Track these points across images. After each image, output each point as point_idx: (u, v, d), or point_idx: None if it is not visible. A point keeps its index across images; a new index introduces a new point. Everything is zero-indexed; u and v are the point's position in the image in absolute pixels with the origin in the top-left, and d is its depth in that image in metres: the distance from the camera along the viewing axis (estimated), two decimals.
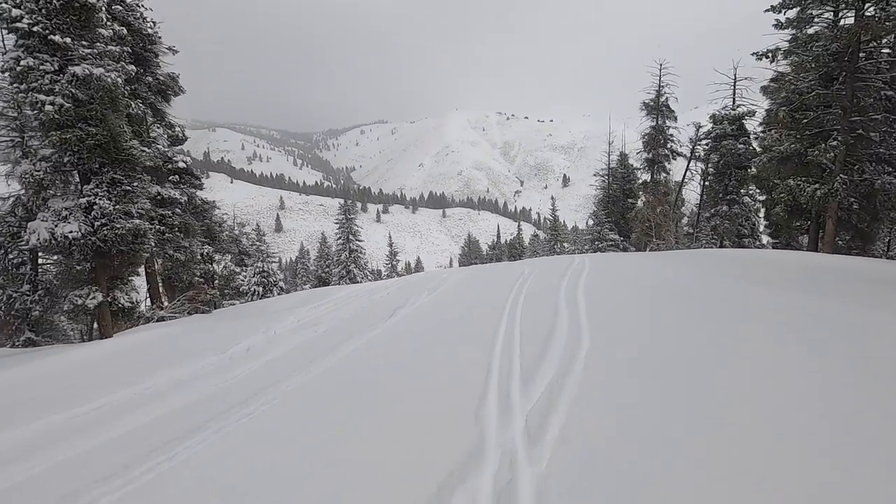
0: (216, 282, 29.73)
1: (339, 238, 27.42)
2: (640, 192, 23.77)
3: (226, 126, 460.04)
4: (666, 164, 22.52)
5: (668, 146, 22.57)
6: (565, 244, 34.30)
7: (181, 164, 13.97)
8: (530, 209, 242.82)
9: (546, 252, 30.35)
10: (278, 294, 24.45)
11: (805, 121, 13.95)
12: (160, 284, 15.04)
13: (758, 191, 20.07)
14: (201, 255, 29.08)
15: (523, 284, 9.66)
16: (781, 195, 14.71)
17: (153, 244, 12.76)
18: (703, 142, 22.00)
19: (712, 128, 20.73)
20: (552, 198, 32.59)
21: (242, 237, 34.22)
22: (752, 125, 20.07)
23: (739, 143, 19.71)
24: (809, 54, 13.41)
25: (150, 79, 12.81)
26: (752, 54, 14.31)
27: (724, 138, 20.11)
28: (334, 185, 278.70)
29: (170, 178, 14.03)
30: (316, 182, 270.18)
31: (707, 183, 21.95)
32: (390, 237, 41.51)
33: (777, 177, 15.31)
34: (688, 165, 22.97)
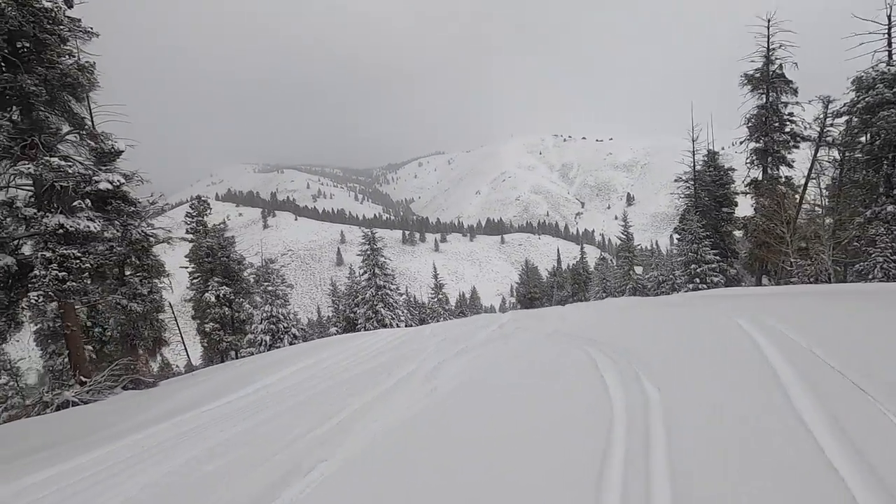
0: (234, 327, 26.51)
1: (364, 272, 23.21)
2: (750, 195, 17.58)
3: (292, 167, 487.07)
4: (786, 153, 16.33)
5: (788, 129, 16.41)
6: (638, 269, 27.91)
7: (103, 186, 10.17)
8: (593, 231, 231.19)
9: (620, 282, 24.31)
10: (290, 343, 20.45)
11: None
12: (84, 349, 11.18)
13: None
14: (217, 297, 26.13)
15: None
16: None
17: (40, 296, 8.91)
18: (840, 119, 15.77)
19: (857, 97, 14.54)
20: (624, 212, 26.66)
21: (272, 275, 31.16)
22: None
23: None
24: None
25: (43, 69, 9.20)
26: None
27: (879, 108, 13.86)
28: (392, 218, 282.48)
29: (87, 202, 10.28)
30: (375, 215, 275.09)
31: (849, 176, 15.54)
32: (435, 268, 37.04)
33: None
34: (815, 154, 16.66)
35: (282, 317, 20.23)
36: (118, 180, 10.57)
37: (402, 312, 28.34)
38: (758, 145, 16.92)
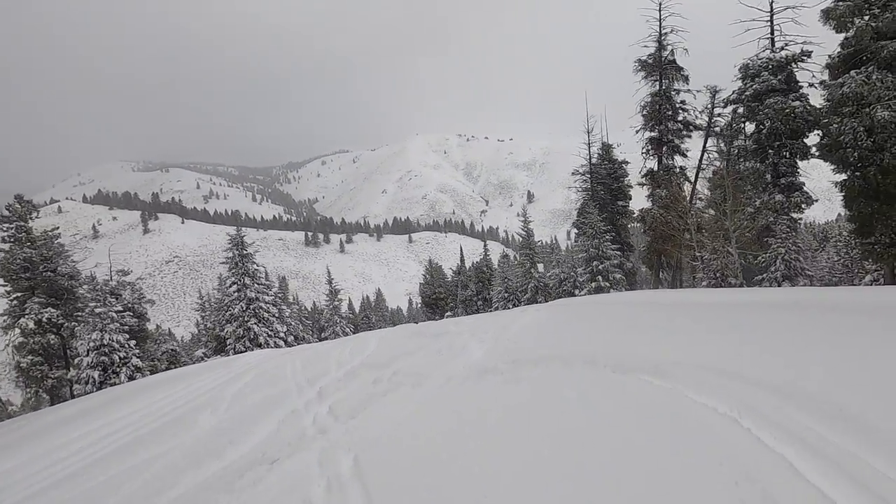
0: (66, 359, 21.42)
1: (232, 284, 19.46)
2: (646, 186, 16.95)
3: (180, 166, 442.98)
4: (679, 142, 15.83)
5: (681, 118, 15.93)
6: (539, 266, 27.06)
7: None
8: (497, 228, 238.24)
9: (521, 280, 23.05)
10: (129, 377, 16.26)
11: None
12: None
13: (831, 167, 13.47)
14: (39, 322, 20.81)
15: None
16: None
17: None
18: (727, 109, 15.55)
19: (744, 85, 14.24)
20: (523, 208, 25.58)
21: (125, 290, 25.91)
22: (805, 74, 13.67)
23: (792, 100, 13.23)
24: None
25: None
26: None
27: (766, 96, 13.60)
28: (294, 219, 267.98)
29: None
30: (274, 216, 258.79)
31: (736, 165, 15.36)
32: (329, 272, 33.67)
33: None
34: (704, 144, 16.39)
35: (117, 345, 15.99)
36: None
37: (285, 327, 24.83)
38: (653, 134, 16.36)
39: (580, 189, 22.45)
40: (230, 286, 19.58)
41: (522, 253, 23.09)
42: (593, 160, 22.44)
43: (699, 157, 16.13)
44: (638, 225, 24.50)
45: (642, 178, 17.44)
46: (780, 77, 13.58)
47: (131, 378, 16.37)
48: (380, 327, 61.70)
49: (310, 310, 52.19)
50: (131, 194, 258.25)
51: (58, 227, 27.66)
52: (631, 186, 21.96)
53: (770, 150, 14.02)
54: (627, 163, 22.21)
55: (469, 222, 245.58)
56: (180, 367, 25.49)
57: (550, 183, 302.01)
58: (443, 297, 50.36)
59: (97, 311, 15.89)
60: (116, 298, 26.12)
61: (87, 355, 15.75)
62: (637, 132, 16.78)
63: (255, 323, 18.91)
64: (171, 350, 28.82)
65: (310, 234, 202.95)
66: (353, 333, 35.40)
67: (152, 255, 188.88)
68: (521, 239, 23.89)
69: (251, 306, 19.02)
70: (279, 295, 31.11)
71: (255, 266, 19.80)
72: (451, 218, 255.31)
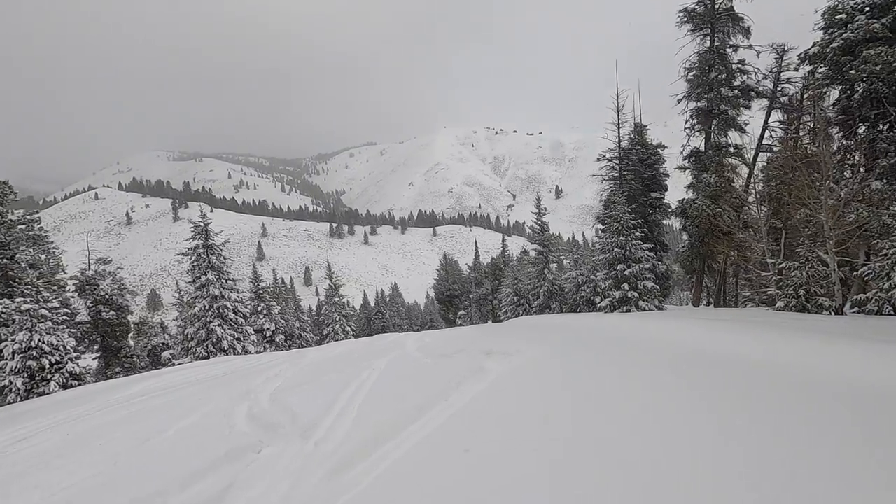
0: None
1: (195, 278, 16.91)
2: (689, 171, 13.41)
3: (212, 156, 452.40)
4: (735, 113, 12.26)
5: (738, 82, 12.33)
6: (565, 262, 23.51)
7: None
8: (523, 223, 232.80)
9: (533, 282, 19.58)
10: (64, 386, 13.91)
11: None
12: None
13: None
14: None
15: None
16: None
17: None
18: (799, 72, 11.94)
19: (829, 36, 10.64)
20: (537, 197, 22.17)
21: (103, 280, 23.87)
22: None
23: None
24: None
25: None
26: None
27: (861, 47, 9.99)
28: (321, 210, 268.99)
29: None
30: (301, 206, 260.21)
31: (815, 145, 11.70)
32: (329, 266, 31.11)
33: None
34: (767, 117, 12.79)
35: (49, 348, 13.63)
36: None
37: (273, 325, 22.25)
38: (699, 104, 12.80)
39: (606, 177, 19.02)
40: (193, 279, 17.06)
41: (535, 249, 19.78)
42: (623, 143, 18.92)
43: (759, 134, 12.53)
44: (674, 221, 20.85)
45: (684, 160, 13.90)
46: (884, 21, 9.92)
47: (66, 386, 13.98)
48: (393, 323, 59.26)
49: (314, 306, 50.08)
50: (164, 183, 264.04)
51: (38, 212, 25.85)
52: (667, 175, 18.37)
53: (865, 121, 10.40)
54: (664, 146, 18.62)
55: (495, 217, 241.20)
56: (164, 366, 23.29)
57: (580, 178, 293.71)
58: (457, 295, 47.33)
59: (25, 307, 13.52)
60: (94, 288, 24.17)
61: (12, 358, 13.43)
62: (679, 101, 13.24)
63: (219, 325, 16.35)
64: (162, 344, 26.78)
65: (335, 225, 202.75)
66: (353, 331, 32.78)
67: (180, 242, 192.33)
68: (532, 233, 20.57)
69: (214, 305, 16.47)
70: (271, 290, 28.67)
71: (222, 259, 17.21)
72: (477, 212, 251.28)
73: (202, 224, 17.15)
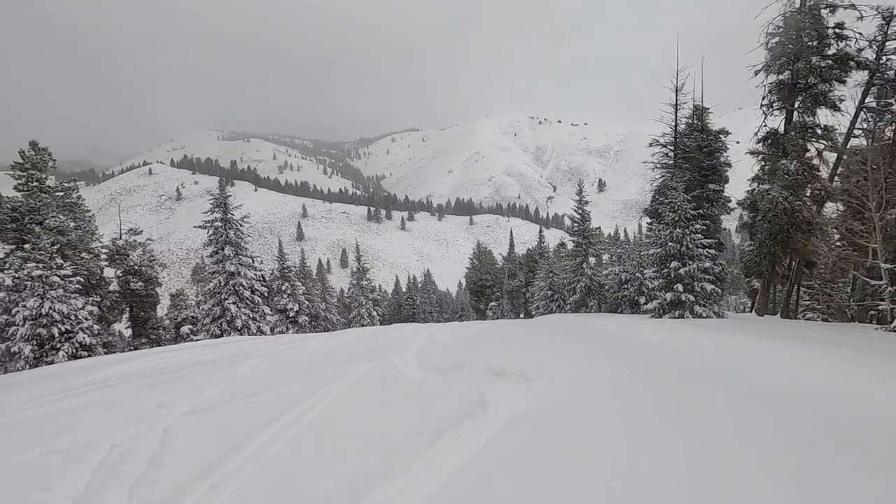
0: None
1: (212, 253, 16.27)
2: (762, 157, 11.42)
3: (260, 137, 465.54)
4: (828, 88, 10.21)
5: (833, 50, 10.25)
6: (605, 258, 21.58)
7: None
8: (563, 216, 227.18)
9: (570, 276, 17.84)
10: (73, 356, 13.56)
11: None
12: None
13: None
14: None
15: None
16: None
17: None
18: None
19: None
20: (578, 185, 20.40)
21: (133, 250, 23.86)
22: None
23: None
24: None
25: None
26: None
27: None
28: (360, 193, 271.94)
29: None
30: (341, 189, 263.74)
31: None
32: (357, 248, 30.35)
33: None
34: (864, 94, 10.69)
35: (60, 316, 13.27)
36: None
37: (296, 305, 21.61)
38: (782, 76, 10.77)
39: (658, 164, 17.09)
40: (210, 254, 16.44)
41: (573, 241, 18.10)
42: (680, 128, 16.90)
43: (854, 114, 10.39)
44: (727, 218, 18.66)
45: (757, 143, 11.86)
46: None
47: (74, 356, 13.61)
48: (424, 310, 58.45)
49: (344, 288, 49.76)
50: (213, 161, 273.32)
51: (76, 180, 26.01)
52: (729, 165, 16.24)
53: None
54: (728, 132, 16.46)
55: (534, 208, 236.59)
56: (184, 341, 23.19)
57: (624, 172, 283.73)
58: (489, 285, 45.91)
59: (36, 273, 13.16)
60: (124, 258, 24.27)
61: (23, 324, 13.13)
62: (756, 73, 11.18)
63: (235, 302, 15.68)
64: (192, 318, 26.83)
65: (373, 209, 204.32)
66: (380, 316, 32.00)
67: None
68: (576, 224, 18.88)
69: (230, 282, 15.80)
70: (296, 270, 28.16)
71: (240, 234, 16.48)
72: (516, 202, 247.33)
73: (220, 196, 16.48)
